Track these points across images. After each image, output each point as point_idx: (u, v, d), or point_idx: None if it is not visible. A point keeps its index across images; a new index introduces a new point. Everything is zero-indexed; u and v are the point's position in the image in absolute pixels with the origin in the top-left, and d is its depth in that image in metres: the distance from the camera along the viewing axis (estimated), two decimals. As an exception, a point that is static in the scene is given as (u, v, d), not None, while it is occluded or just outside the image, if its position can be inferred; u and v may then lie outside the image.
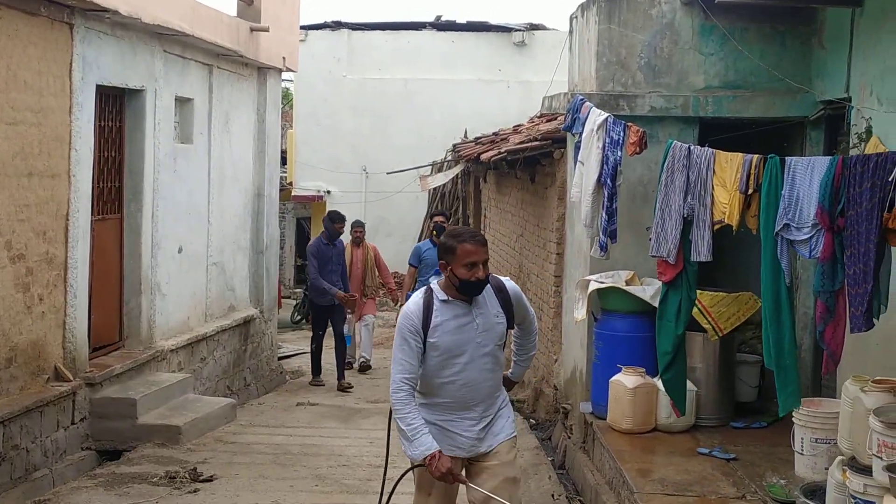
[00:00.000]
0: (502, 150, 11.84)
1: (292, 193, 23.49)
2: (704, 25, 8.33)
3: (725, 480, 6.67)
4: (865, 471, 5.27)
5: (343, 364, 13.24)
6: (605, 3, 8.40)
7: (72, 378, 8.72)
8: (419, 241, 20.47)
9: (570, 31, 9.77)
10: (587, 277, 8.33)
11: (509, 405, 5.31)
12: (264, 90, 13.45)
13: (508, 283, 5.23)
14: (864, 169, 5.12)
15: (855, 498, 5.30)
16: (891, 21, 6.67)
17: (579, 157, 8.03)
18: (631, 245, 8.14)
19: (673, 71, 8.41)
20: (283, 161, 24.39)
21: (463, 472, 5.17)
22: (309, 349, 13.90)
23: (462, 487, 5.11)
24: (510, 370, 5.54)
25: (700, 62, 8.39)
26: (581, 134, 8.06)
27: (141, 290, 10.20)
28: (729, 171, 6.19)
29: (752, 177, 5.97)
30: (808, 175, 5.58)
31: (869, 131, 6.82)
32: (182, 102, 11.18)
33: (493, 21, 23.44)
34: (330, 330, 13.32)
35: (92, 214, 9.31)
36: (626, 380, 7.77)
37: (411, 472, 5.14)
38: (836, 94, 7.54)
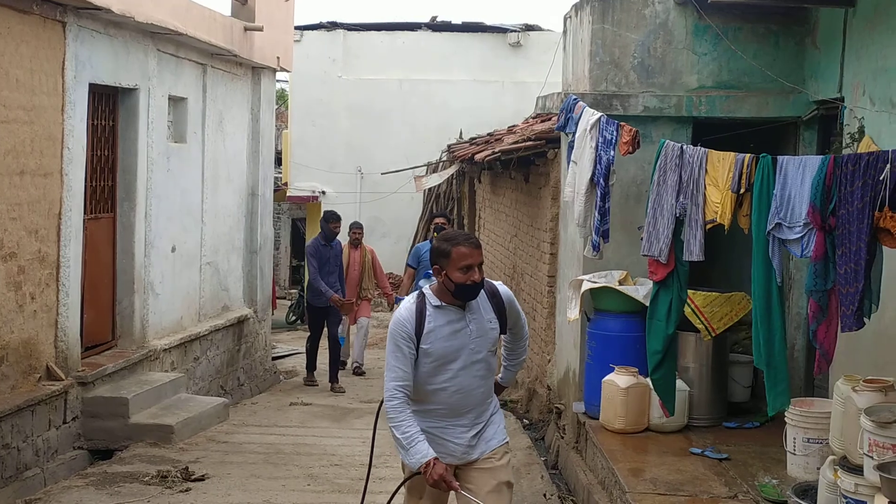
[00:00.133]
0: (496, 150, 11.83)
1: (287, 194, 23.48)
2: (698, 25, 8.33)
3: (717, 480, 6.67)
4: (857, 470, 5.27)
5: (337, 367, 13.20)
6: (599, 3, 8.40)
7: (64, 377, 8.70)
8: (414, 241, 20.49)
9: (564, 31, 9.77)
10: (580, 277, 8.33)
11: (501, 411, 5.25)
12: (258, 90, 13.43)
13: (501, 287, 5.17)
14: (855, 168, 5.12)
15: (846, 497, 5.30)
16: (883, 21, 6.67)
17: (572, 157, 8.03)
18: (624, 245, 8.14)
19: (666, 71, 8.41)
20: (278, 161, 24.39)
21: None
22: (304, 349, 13.84)
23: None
24: (500, 375, 5.46)
25: (693, 62, 8.40)
26: (574, 133, 8.07)
27: (134, 289, 10.18)
28: (721, 170, 6.19)
29: (744, 176, 5.97)
30: (799, 174, 5.58)
31: (861, 131, 6.82)
32: (176, 102, 11.16)
33: (489, 22, 23.46)
34: (325, 331, 13.27)
35: (85, 213, 9.29)
36: (618, 380, 7.77)
37: (403, 472, 5.10)
38: (829, 95, 7.54)
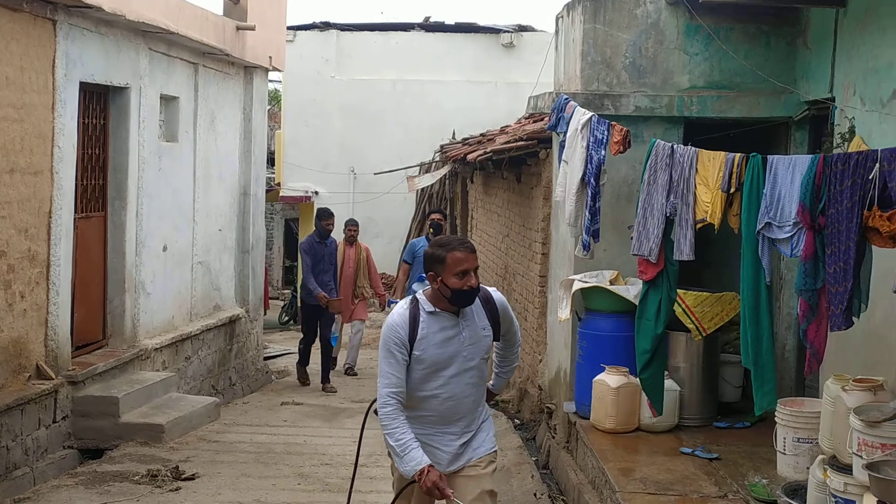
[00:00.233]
0: (488, 150, 11.83)
1: (280, 194, 23.46)
2: (689, 25, 8.33)
3: (707, 480, 6.67)
4: (846, 469, 5.28)
5: (328, 367, 13.18)
6: (591, 3, 8.40)
7: (54, 376, 8.67)
8: (407, 241, 20.47)
9: (556, 31, 9.77)
10: (571, 277, 8.33)
11: (490, 419, 5.19)
12: (251, 89, 13.41)
13: (495, 293, 5.09)
14: (844, 167, 5.12)
15: (835, 496, 5.31)
16: (874, 21, 6.68)
17: (563, 157, 8.03)
18: (615, 245, 8.14)
19: (658, 71, 8.41)
20: (271, 162, 24.38)
21: None
22: (296, 349, 13.81)
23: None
24: (491, 381, 5.40)
25: (685, 62, 8.40)
26: (565, 133, 8.06)
27: (125, 288, 10.15)
28: (711, 169, 6.19)
29: (734, 175, 5.97)
30: (789, 173, 5.58)
31: (852, 131, 6.83)
32: (167, 101, 11.14)
33: (482, 22, 23.45)
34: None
35: (75, 212, 9.27)
36: (609, 379, 7.77)
37: (392, 474, 5.06)
38: (820, 95, 7.55)
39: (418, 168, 20.18)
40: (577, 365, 8.35)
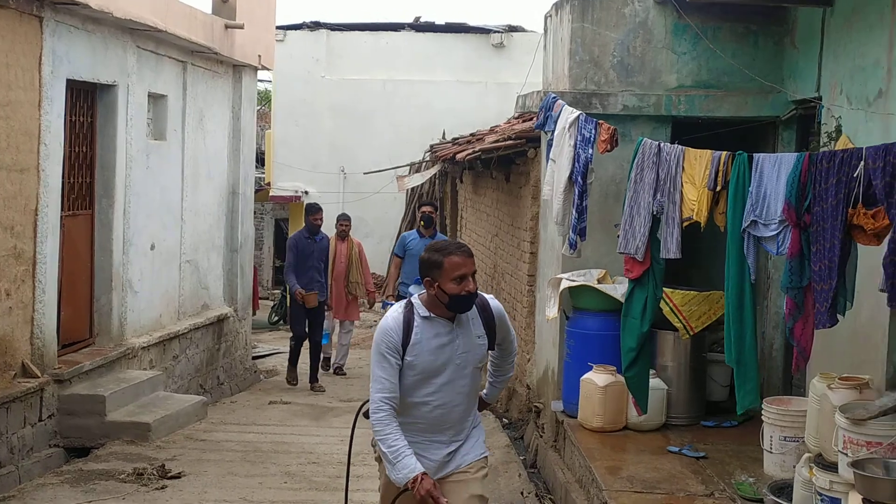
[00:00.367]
0: (476, 149, 11.82)
1: (270, 194, 23.43)
2: (677, 24, 8.34)
3: (694, 478, 6.67)
4: (831, 467, 5.28)
5: (317, 366, 13.11)
6: (579, 2, 8.40)
7: (39, 374, 8.63)
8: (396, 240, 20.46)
9: (545, 30, 9.77)
10: (559, 276, 8.32)
11: (481, 425, 5.09)
12: (239, 88, 13.38)
13: (493, 301, 4.97)
14: (829, 165, 5.12)
15: (821, 494, 5.31)
16: (861, 19, 6.69)
17: (551, 155, 8.02)
18: (603, 243, 8.14)
19: (646, 70, 8.41)
20: (262, 161, 24.34)
21: None
22: (287, 349, 13.72)
23: None
24: (484, 391, 5.29)
25: (673, 61, 8.40)
26: (553, 132, 8.06)
27: (112, 286, 10.12)
28: (698, 167, 6.20)
29: (720, 173, 5.98)
30: (775, 171, 5.59)
31: (839, 130, 6.84)
32: (155, 99, 11.11)
33: (472, 23, 23.49)
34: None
35: (62, 210, 9.23)
36: (596, 378, 7.76)
37: (379, 478, 4.98)
38: (808, 94, 7.56)
39: (408, 168, 20.17)
40: (565, 364, 8.35)
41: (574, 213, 7.60)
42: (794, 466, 5.89)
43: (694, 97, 8.31)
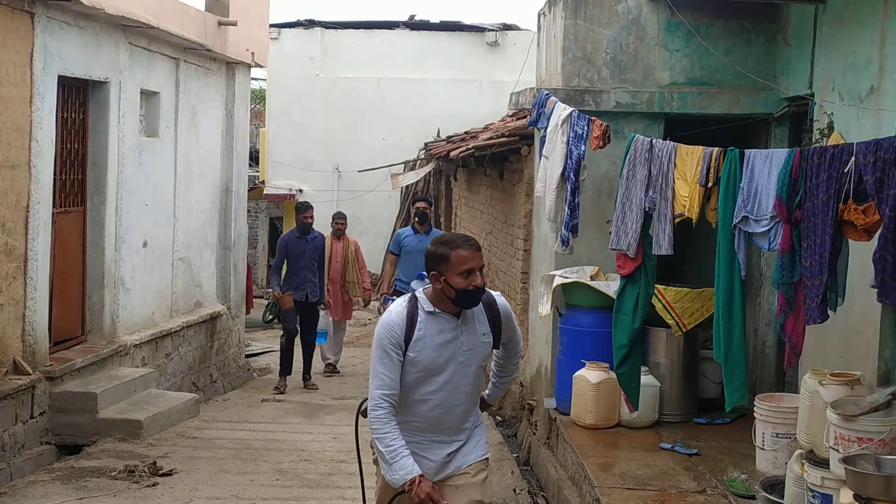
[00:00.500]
0: (470, 147, 11.82)
1: (264, 192, 23.41)
2: (670, 21, 8.33)
3: (687, 475, 6.67)
4: (823, 464, 5.28)
5: (310, 362, 13.05)
6: (572, -1, 8.39)
7: (31, 371, 8.60)
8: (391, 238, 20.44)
9: (538, 27, 9.76)
10: (552, 273, 8.31)
11: (483, 426, 4.94)
12: (233, 85, 13.35)
13: (499, 298, 4.81)
14: (820, 161, 5.12)
15: (812, 491, 5.31)
16: (853, 16, 6.68)
17: (544, 152, 8.02)
18: (596, 240, 8.12)
19: (638, 67, 8.40)
20: (256, 160, 24.31)
21: None
22: (278, 347, 13.63)
23: None
24: (487, 391, 5.13)
25: (666, 58, 8.39)
26: (546, 128, 8.05)
27: (104, 284, 10.09)
28: (690, 164, 6.19)
29: (712, 170, 5.98)
30: (766, 167, 5.58)
31: (831, 127, 6.84)
32: (148, 96, 11.08)
33: (467, 21, 23.48)
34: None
35: (54, 207, 9.20)
36: (589, 375, 7.76)
37: (377, 479, 4.92)
38: (800, 91, 7.55)
39: (403, 166, 20.17)
40: (558, 361, 8.34)
41: (567, 209, 7.59)
42: (786, 463, 5.89)
43: (687, 94, 8.30)
